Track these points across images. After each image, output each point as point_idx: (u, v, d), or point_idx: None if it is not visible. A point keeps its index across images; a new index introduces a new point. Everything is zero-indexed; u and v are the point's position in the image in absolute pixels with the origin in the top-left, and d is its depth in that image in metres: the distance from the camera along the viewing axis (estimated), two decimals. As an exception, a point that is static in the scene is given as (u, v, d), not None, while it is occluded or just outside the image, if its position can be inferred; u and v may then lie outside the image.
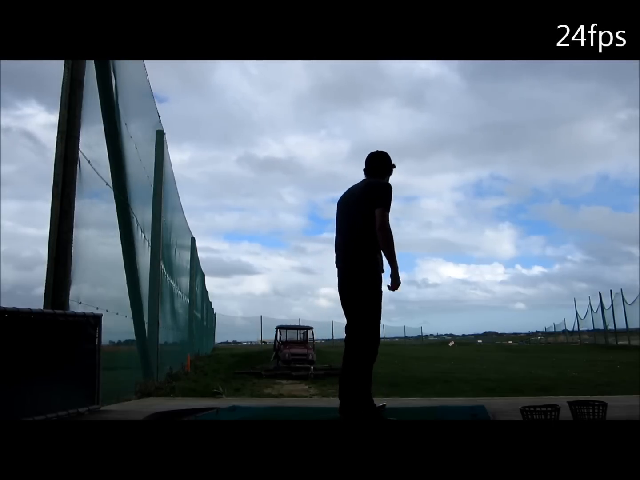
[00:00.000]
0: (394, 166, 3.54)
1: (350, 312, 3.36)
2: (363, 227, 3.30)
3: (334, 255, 3.51)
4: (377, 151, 3.52)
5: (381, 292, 3.34)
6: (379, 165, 3.48)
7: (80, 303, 4.40)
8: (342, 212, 3.50)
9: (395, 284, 3.31)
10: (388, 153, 3.52)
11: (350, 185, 3.57)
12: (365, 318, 3.29)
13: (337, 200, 3.58)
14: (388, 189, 3.31)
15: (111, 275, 5.95)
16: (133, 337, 6.81)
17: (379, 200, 3.26)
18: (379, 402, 3.66)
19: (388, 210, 3.26)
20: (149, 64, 7.04)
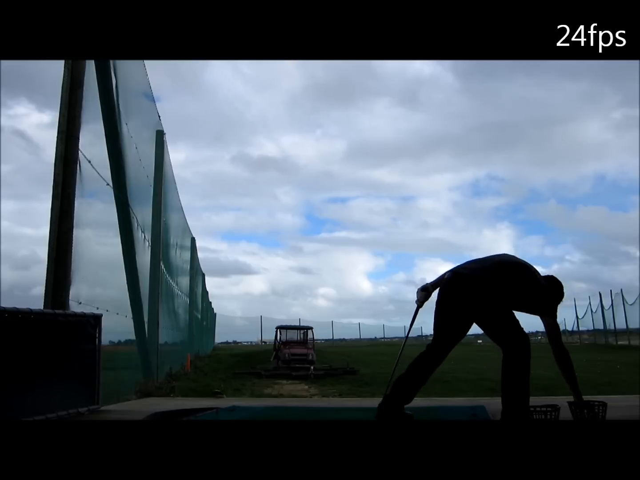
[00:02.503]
0: (559, 300, 3.39)
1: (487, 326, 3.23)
2: (499, 286, 3.13)
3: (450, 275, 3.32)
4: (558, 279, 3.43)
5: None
6: (550, 281, 3.35)
7: (80, 303, 4.40)
8: (498, 264, 3.27)
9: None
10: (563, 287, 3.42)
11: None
12: (502, 322, 3.15)
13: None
14: (554, 301, 3.29)
15: (111, 275, 5.95)
16: (133, 337, 6.80)
17: (553, 311, 3.26)
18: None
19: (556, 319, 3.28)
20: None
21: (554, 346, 3.22)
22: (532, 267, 3.32)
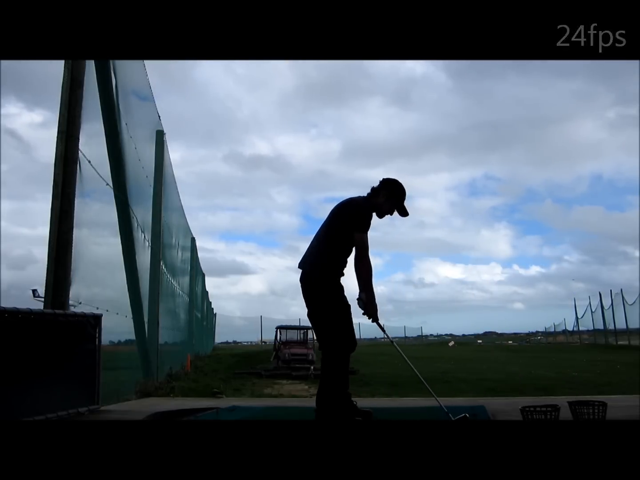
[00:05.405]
0: (400, 196, 3.43)
1: (310, 318, 3.42)
2: (330, 240, 3.32)
3: None
4: (390, 177, 3.50)
5: (338, 299, 3.33)
6: (378, 187, 3.43)
7: (80, 303, 4.40)
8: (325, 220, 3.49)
9: (368, 313, 3.31)
10: (399, 182, 3.45)
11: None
12: (323, 323, 3.34)
13: None
14: (362, 210, 3.30)
15: (111, 275, 5.95)
16: (133, 337, 6.80)
17: (355, 224, 3.26)
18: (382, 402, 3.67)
19: (364, 232, 3.26)
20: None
21: (359, 259, 3.28)
22: (354, 199, 3.41)
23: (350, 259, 3.37)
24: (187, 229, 14.61)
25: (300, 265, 3.43)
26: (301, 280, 3.40)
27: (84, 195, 4.53)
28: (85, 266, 4.57)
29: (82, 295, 4.50)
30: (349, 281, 3.44)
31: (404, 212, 3.44)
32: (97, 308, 4.64)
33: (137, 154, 6.86)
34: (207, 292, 25.25)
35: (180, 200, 12.11)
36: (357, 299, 3.32)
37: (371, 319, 3.35)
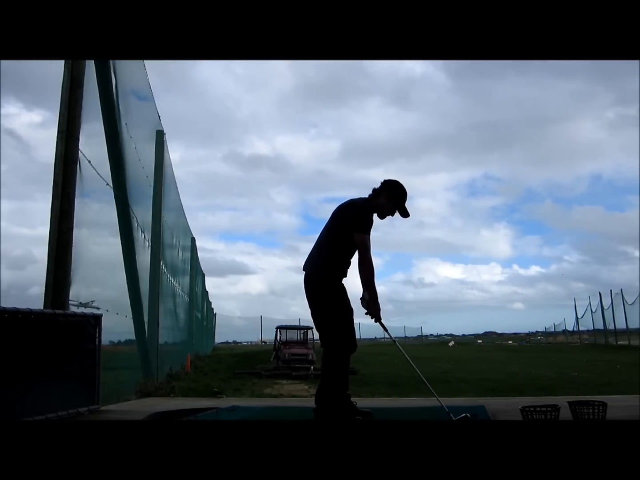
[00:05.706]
0: (402, 197, 3.44)
1: (313, 319, 3.47)
2: (331, 242, 3.37)
3: None
4: (392, 179, 3.51)
5: (339, 301, 3.36)
6: (379, 188, 3.45)
7: (80, 303, 4.40)
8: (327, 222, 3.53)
9: (371, 313, 3.33)
10: (400, 183, 3.46)
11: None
12: (325, 324, 3.38)
13: None
14: (361, 211, 3.34)
15: (111, 275, 5.95)
16: (133, 337, 6.80)
17: (355, 225, 3.29)
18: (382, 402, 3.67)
19: (365, 233, 3.29)
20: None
21: (361, 260, 3.31)
22: (355, 200, 3.45)
23: (354, 260, 3.39)
24: (187, 229, 14.62)
25: (304, 268, 3.46)
26: (304, 282, 3.42)
27: (84, 195, 4.53)
28: (85, 266, 4.57)
29: (82, 295, 4.50)
30: (351, 282, 3.48)
31: (405, 213, 3.46)
32: (98, 308, 4.64)
33: (137, 154, 6.86)
34: (207, 292, 25.27)
35: (180, 200, 12.13)
36: (360, 299, 3.34)
37: (374, 319, 3.36)
